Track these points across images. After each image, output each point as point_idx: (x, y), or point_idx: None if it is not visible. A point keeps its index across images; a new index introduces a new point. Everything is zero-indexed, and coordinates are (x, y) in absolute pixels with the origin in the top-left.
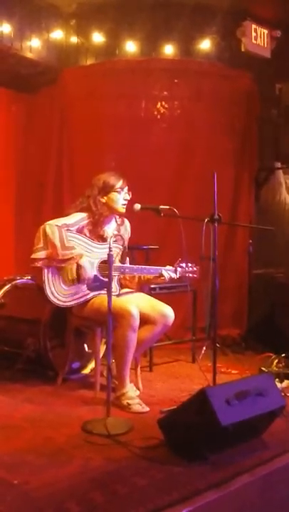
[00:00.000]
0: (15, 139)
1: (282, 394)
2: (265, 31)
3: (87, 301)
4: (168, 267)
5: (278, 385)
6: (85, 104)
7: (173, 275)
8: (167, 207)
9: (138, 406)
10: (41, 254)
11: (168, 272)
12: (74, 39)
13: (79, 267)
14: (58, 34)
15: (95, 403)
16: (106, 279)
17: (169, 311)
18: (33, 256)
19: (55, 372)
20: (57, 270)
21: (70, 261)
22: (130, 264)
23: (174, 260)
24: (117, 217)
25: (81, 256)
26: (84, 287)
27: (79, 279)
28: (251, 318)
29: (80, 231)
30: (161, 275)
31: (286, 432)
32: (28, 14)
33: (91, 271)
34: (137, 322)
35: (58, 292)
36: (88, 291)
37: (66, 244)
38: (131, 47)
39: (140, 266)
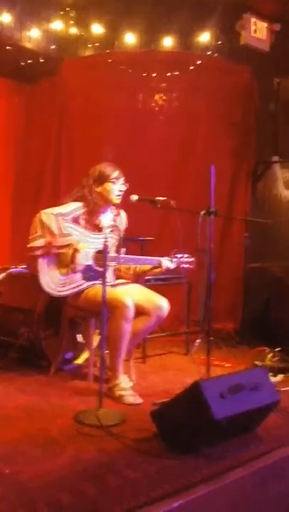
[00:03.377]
0: (14, 129)
1: (276, 388)
2: (265, 25)
3: (81, 291)
4: (164, 258)
5: (272, 379)
6: (84, 95)
7: (170, 265)
8: (164, 198)
9: (131, 397)
10: (39, 242)
11: (164, 262)
12: (73, 30)
13: (76, 251)
14: (57, 25)
15: (88, 394)
16: (101, 269)
17: (163, 303)
18: (31, 244)
19: (48, 363)
20: (53, 259)
21: (68, 247)
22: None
23: (169, 252)
24: (114, 207)
25: (78, 242)
26: (79, 277)
27: (73, 265)
28: (246, 312)
29: (75, 221)
30: (160, 265)
31: (280, 426)
32: (28, 4)
33: (85, 258)
34: (132, 313)
35: (53, 281)
36: (83, 281)
37: (63, 231)
38: (130, 38)
39: (136, 256)
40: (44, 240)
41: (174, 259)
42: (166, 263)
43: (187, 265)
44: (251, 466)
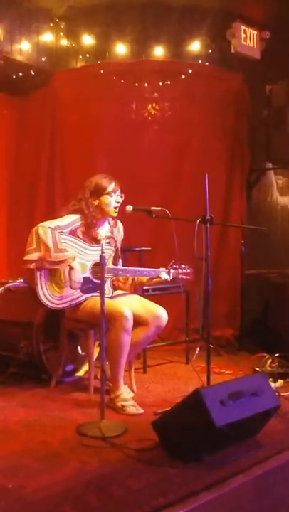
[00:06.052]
0: (7, 142)
1: (277, 394)
2: (255, 32)
3: (80, 304)
4: (161, 269)
5: (272, 384)
6: (77, 106)
7: (166, 277)
8: (159, 208)
9: (132, 408)
10: (34, 255)
11: (162, 274)
12: (64, 42)
13: (71, 269)
14: (47, 37)
15: (89, 406)
16: (99, 281)
17: (162, 313)
18: (26, 257)
19: (48, 376)
20: (49, 272)
21: (63, 263)
22: (123, 265)
23: (167, 261)
24: (110, 219)
25: (74, 258)
26: (76, 290)
27: (69, 282)
28: (244, 319)
29: (73, 233)
30: (157, 276)
31: (281, 431)
32: (18, 17)
33: (80, 273)
34: (130, 323)
35: (51, 295)
36: (81, 294)
37: (59, 247)
38: (121, 49)
39: (133, 268)
40: (38, 254)
41: (172, 271)
42: (163, 275)
43: (185, 276)
44: (253, 472)
